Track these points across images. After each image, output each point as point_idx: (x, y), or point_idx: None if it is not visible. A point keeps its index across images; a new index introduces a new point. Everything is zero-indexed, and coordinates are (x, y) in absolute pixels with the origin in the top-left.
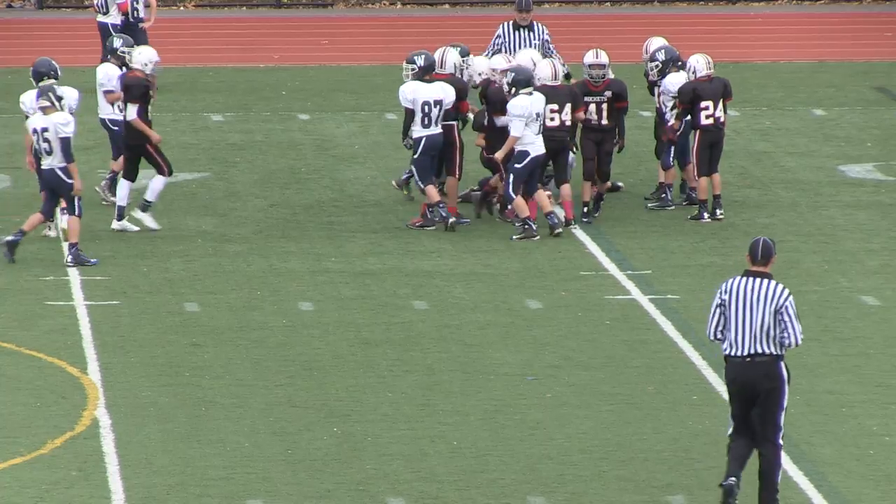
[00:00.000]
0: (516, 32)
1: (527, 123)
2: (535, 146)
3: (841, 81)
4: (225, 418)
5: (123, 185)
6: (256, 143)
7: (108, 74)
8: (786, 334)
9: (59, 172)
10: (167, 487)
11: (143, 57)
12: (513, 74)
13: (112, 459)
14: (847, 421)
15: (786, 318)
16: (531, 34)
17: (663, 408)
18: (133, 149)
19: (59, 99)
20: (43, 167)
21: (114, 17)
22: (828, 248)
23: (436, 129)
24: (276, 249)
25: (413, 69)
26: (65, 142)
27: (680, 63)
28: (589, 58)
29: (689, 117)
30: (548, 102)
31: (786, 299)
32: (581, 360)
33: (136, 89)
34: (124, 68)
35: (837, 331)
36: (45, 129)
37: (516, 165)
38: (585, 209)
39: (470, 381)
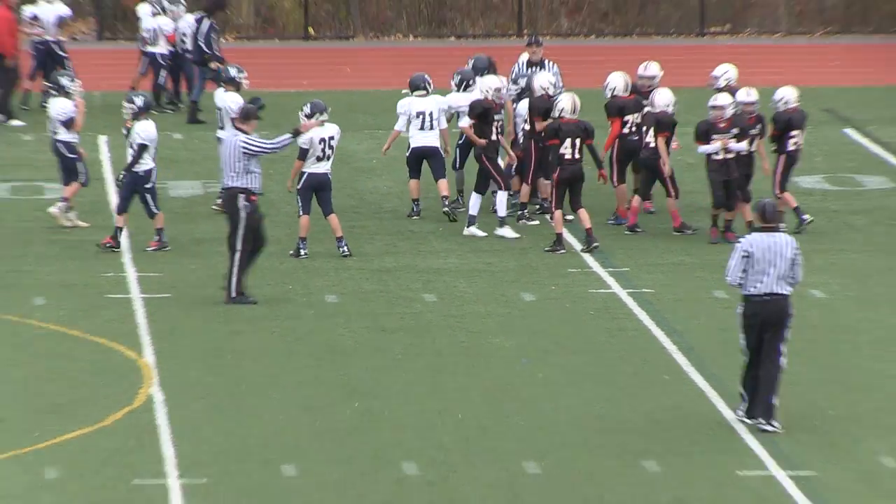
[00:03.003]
0: (529, 69)
1: (410, 120)
2: (416, 139)
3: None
4: (261, 395)
5: (475, 197)
6: (287, 158)
7: (228, 100)
8: (795, 274)
9: (330, 175)
10: (212, 455)
11: (484, 84)
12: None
13: (165, 430)
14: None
15: (798, 262)
16: (543, 71)
17: (639, 386)
18: (476, 160)
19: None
20: (317, 171)
21: (161, 48)
22: None
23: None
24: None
25: (132, 109)
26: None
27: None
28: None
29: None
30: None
31: (797, 246)
32: (568, 345)
33: (476, 108)
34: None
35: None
36: (332, 138)
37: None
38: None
39: (473, 364)
